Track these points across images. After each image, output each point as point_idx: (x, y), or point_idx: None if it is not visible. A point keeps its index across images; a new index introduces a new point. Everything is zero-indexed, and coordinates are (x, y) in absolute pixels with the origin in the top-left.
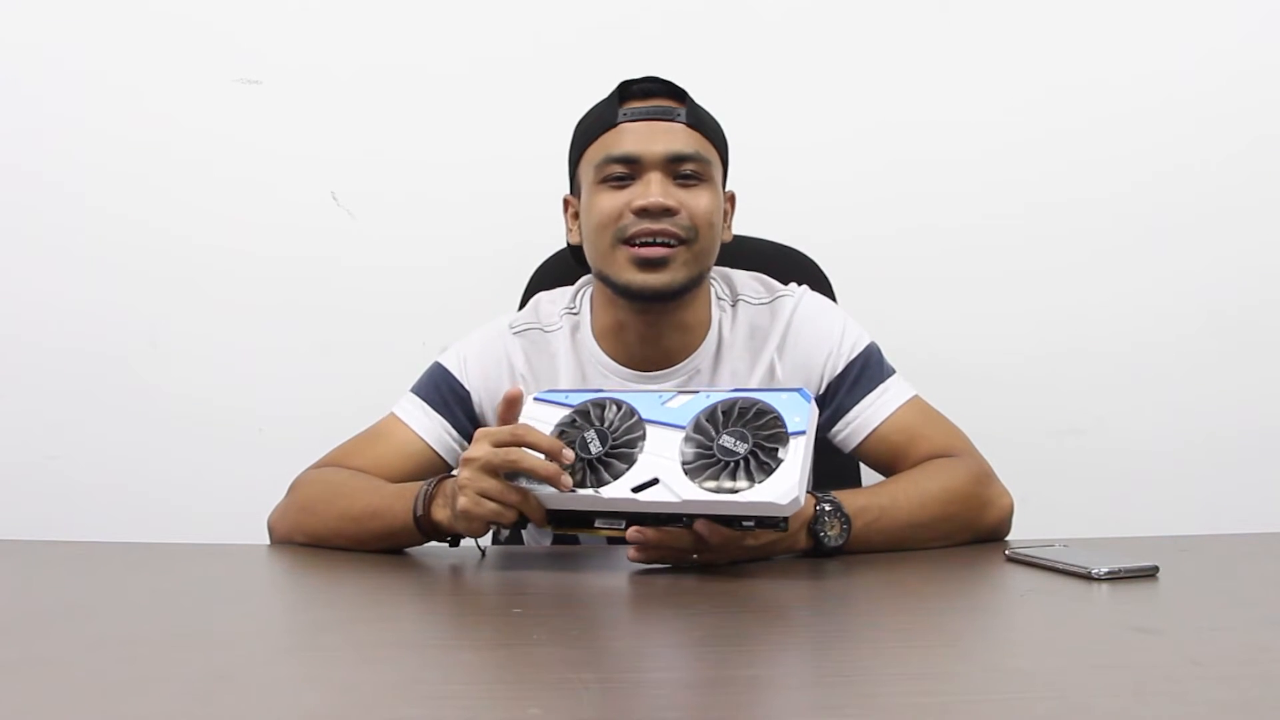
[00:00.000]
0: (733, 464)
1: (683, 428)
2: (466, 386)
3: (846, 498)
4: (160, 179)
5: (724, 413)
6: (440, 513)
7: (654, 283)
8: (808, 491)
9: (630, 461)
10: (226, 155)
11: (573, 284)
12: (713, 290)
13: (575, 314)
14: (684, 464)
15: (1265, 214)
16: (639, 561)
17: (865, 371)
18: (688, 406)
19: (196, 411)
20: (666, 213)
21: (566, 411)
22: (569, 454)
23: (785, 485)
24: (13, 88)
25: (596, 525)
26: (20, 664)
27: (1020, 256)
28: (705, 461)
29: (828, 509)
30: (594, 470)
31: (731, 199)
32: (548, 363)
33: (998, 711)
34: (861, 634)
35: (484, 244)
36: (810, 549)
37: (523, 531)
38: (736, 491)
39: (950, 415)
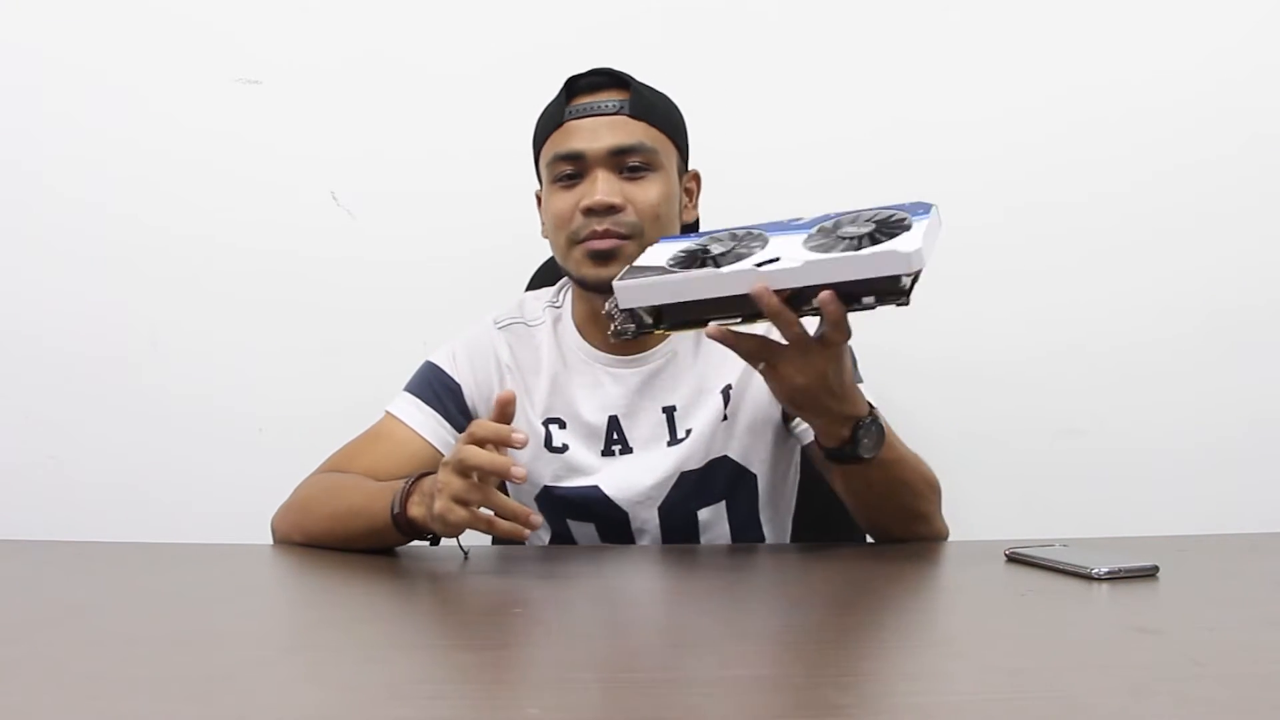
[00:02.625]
0: (857, 240)
1: (808, 230)
2: (457, 380)
3: (887, 426)
4: (160, 179)
5: (850, 220)
6: (416, 510)
7: (605, 275)
8: (867, 400)
9: (752, 251)
10: (226, 155)
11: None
12: None
13: (558, 308)
14: (806, 248)
15: (1265, 214)
16: (723, 338)
17: None
18: (811, 222)
19: (196, 411)
20: (611, 210)
21: (693, 243)
22: (519, 436)
23: (909, 239)
24: (13, 88)
25: (711, 320)
26: (20, 664)
27: (1020, 256)
28: (828, 242)
29: (873, 422)
30: (715, 263)
31: (695, 177)
32: (531, 354)
33: (998, 711)
34: (861, 634)
35: (485, 243)
36: (837, 448)
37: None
38: (859, 249)
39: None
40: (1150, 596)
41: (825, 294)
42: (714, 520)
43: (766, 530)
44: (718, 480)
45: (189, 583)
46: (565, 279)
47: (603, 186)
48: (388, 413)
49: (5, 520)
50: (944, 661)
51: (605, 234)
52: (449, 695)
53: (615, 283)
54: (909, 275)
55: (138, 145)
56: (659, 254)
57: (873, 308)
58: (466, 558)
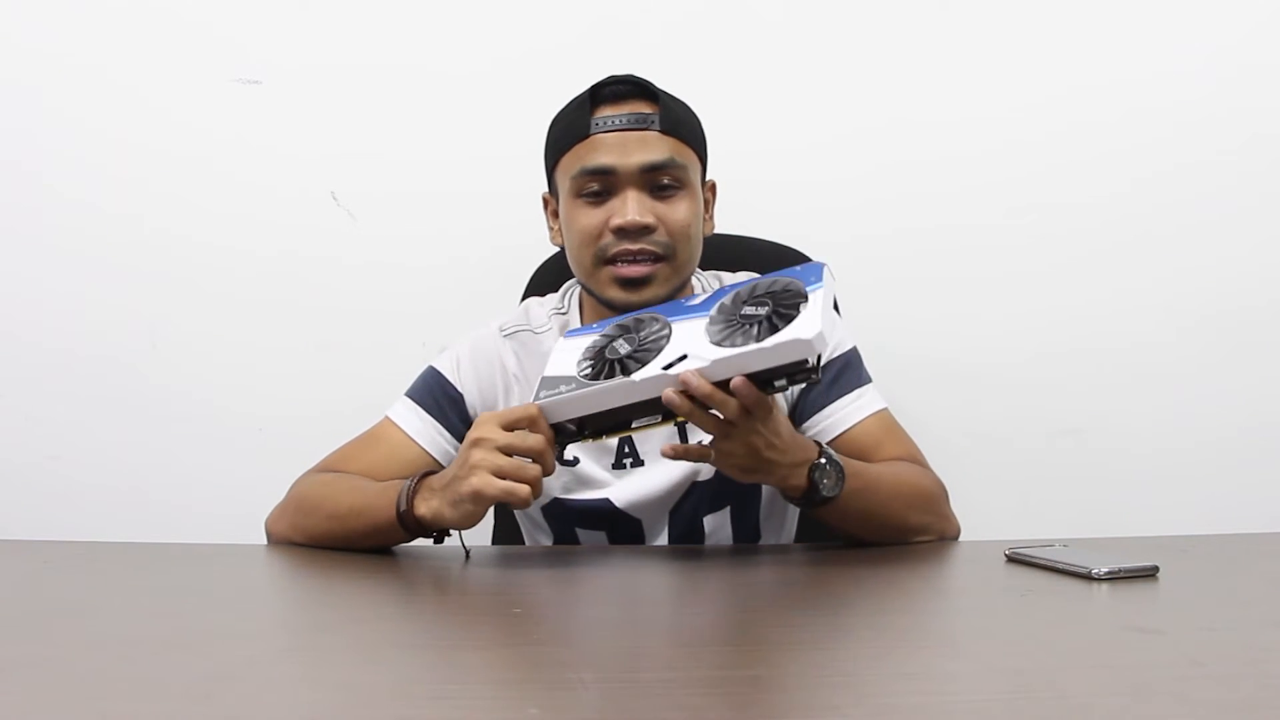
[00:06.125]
0: (756, 324)
1: (707, 314)
2: (460, 389)
3: (843, 459)
4: (160, 179)
5: (744, 294)
6: (423, 507)
7: (636, 301)
8: (815, 440)
9: (658, 350)
10: (226, 155)
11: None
12: (699, 285)
13: (564, 314)
14: (710, 339)
15: (1265, 214)
16: (676, 454)
17: (845, 373)
18: (707, 301)
19: (196, 411)
20: (645, 230)
21: (595, 337)
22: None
23: (808, 322)
24: (13, 87)
25: (634, 425)
26: (20, 664)
27: (1020, 256)
28: (730, 330)
29: (827, 461)
30: (624, 368)
31: (712, 188)
32: (539, 363)
33: (998, 711)
34: (861, 634)
35: (484, 243)
36: (802, 495)
37: (522, 529)
38: (759, 341)
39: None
40: (1150, 596)
41: (738, 380)
42: (719, 526)
43: (765, 535)
44: (727, 489)
45: (189, 583)
46: (570, 284)
47: (635, 206)
48: (387, 417)
49: (5, 520)
50: (944, 661)
51: (638, 254)
52: (449, 695)
53: (533, 401)
54: (814, 356)
55: (138, 145)
56: (566, 357)
57: (784, 389)
58: (468, 557)
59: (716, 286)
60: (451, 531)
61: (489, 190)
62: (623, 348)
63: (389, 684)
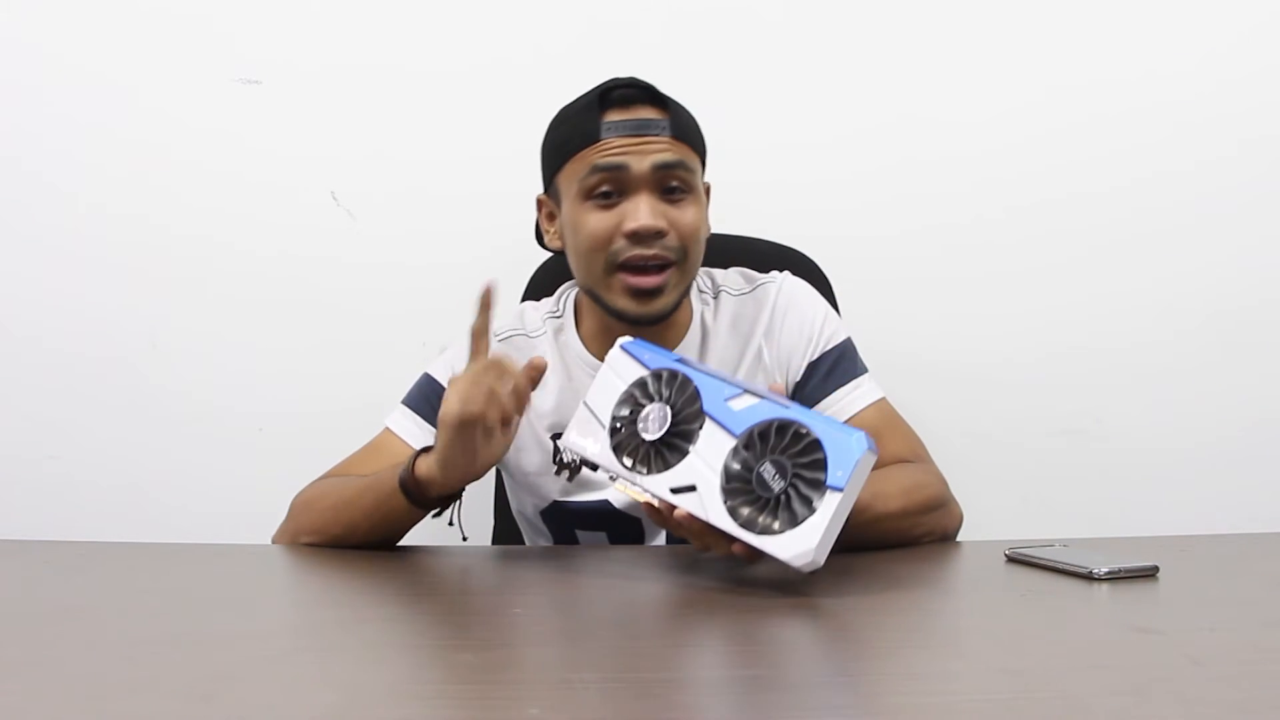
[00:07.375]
0: (766, 501)
1: (737, 436)
2: None
3: None
4: (160, 179)
5: (778, 431)
6: (423, 465)
7: (648, 312)
8: None
9: (681, 454)
10: (226, 155)
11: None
12: (695, 284)
13: (559, 318)
14: (725, 480)
15: (1265, 213)
16: (654, 519)
17: (840, 364)
18: (747, 413)
19: (196, 411)
20: (658, 235)
21: (643, 373)
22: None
23: (805, 545)
24: (12, 86)
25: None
26: (20, 664)
27: (1020, 256)
28: (742, 487)
29: None
30: (646, 456)
31: (707, 190)
32: None
33: (998, 711)
34: (861, 634)
35: (484, 243)
36: None
37: (522, 531)
38: (760, 533)
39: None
40: (1150, 596)
41: (740, 547)
42: None
43: None
44: None
45: (189, 583)
46: (565, 288)
47: (647, 210)
48: (386, 427)
49: (5, 520)
50: (944, 661)
51: (651, 260)
52: (449, 695)
53: (562, 441)
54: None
55: (138, 145)
56: (611, 386)
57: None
58: (463, 535)
59: (709, 285)
60: (452, 521)
61: (489, 190)
62: (653, 427)
63: (389, 684)
